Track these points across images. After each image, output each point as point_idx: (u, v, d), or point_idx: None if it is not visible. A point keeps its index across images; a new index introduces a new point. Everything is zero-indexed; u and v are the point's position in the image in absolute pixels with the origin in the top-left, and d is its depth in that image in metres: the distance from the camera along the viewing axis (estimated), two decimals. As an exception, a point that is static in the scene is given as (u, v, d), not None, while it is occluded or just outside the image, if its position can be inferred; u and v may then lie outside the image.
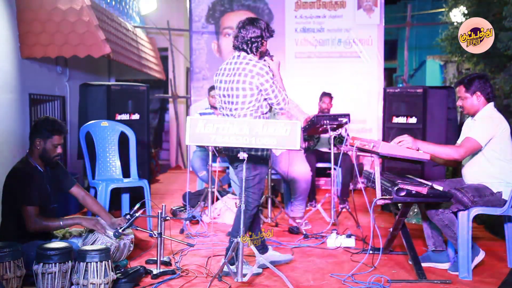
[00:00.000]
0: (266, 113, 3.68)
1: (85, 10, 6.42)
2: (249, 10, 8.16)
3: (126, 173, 4.96)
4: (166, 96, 10.30)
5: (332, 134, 4.88)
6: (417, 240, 4.17)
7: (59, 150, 3.56)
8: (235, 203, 5.15)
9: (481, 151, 3.59)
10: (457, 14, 8.29)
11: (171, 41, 9.60)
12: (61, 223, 3.45)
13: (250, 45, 3.60)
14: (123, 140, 4.97)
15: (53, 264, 3.00)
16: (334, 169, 4.96)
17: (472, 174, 3.64)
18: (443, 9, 9.42)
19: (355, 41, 7.93)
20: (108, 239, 3.48)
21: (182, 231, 4.79)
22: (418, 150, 3.52)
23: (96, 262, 2.99)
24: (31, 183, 3.39)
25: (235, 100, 3.60)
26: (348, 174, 5.70)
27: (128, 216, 3.61)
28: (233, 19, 8.12)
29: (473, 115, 3.71)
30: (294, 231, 4.81)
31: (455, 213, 3.55)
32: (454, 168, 6.58)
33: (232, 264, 3.40)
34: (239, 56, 3.64)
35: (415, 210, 5.16)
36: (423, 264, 3.62)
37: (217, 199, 5.27)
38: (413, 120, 5.30)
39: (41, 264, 3.00)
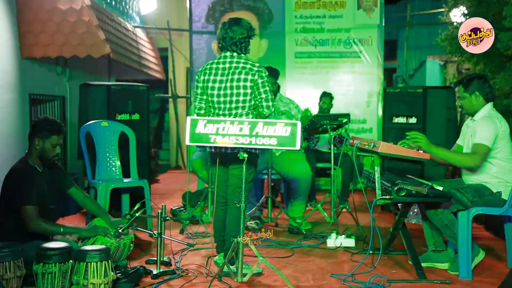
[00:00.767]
0: (267, 116, 3.71)
1: (85, 10, 6.42)
2: (249, 10, 8.16)
3: (126, 173, 4.96)
4: (166, 96, 10.31)
5: (332, 134, 4.88)
6: (417, 240, 4.17)
7: (57, 150, 3.55)
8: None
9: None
10: (457, 14, 8.29)
11: (171, 41, 9.60)
12: (61, 229, 3.45)
13: (239, 46, 3.66)
14: (123, 140, 4.97)
15: (53, 264, 3.00)
16: (334, 169, 4.96)
17: (471, 174, 3.64)
18: (443, 9, 9.42)
19: (355, 41, 7.93)
20: (108, 239, 3.48)
21: (182, 231, 4.79)
22: (418, 150, 3.53)
23: (96, 262, 2.99)
24: (30, 183, 3.39)
25: (235, 99, 3.62)
26: (348, 174, 5.70)
27: (128, 216, 3.61)
28: (233, 19, 8.11)
29: (472, 115, 3.72)
30: (294, 231, 4.81)
31: (455, 213, 3.55)
32: (454, 168, 6.58)
33: (232, 264, 3.41)
34: (232, 56, 3.67)
35: (415, 210, 5.16)
36: (423, 264, 3.62)
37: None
38: (413, 120, 5.30)
39: (41, 264, 3.00)
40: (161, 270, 3.55)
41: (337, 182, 5.52)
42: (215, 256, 3.81)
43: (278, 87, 5.43)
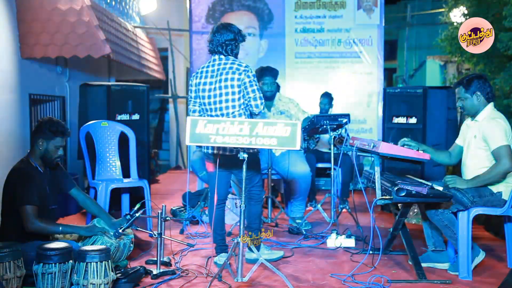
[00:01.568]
0: (257, 114, 3.82)
1: (85, 10, 6.42)
2: (249, 10, 8.17)
3: (126, 173, 4.96)
4: (166, 96, 10.30)
5: (332, 134, 4.88)
6: (417, 240, 4.17)
7: (60, 151, 3.56)
8: (235, 203, 5.15)
9: (481, 151, 3.59)
10: (457, 14, 8.30)
11: (171, 41, 9.60)
12: (60, 228, 3.45)
13: (225, 47, 3.80)
14: (123, 140, 4.97)
15: (53, 264, 3.00)
16: (334, 169, 4.96)
17: (472, 174, 3.64)
18: (443, 9, 9.43)
19: (355, 41, 7.93)
20: (108, 239, 3.48)
21: (182, 231, 4.79)
22: (418, 150, 3.52)
23: (96, 262, 2.99)
24: (31, 183, 3.39)
25: (225, 99, 3.75)
26: (348, 174, 5.70)
27: (128, 216, 3.61)
28: (233, 19, 8.11)
29: (473, 116, 3.71)
30: (294, 231, 4.81)
31: (455, 213, 3.55)
32: (454, 168, 6.58)
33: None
34: (220, 58, 3.82)
35: (415, 210, 5.15)
36: (423, 264, 3.62)
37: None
38: (413, 120, 5.30)
39: (41, 264, 3.00)
40: (161, 270, 3.55)
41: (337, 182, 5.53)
42: (215, 256, 3.81)
43: (278, 87, 5.44)
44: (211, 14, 8.25)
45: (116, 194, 4.87)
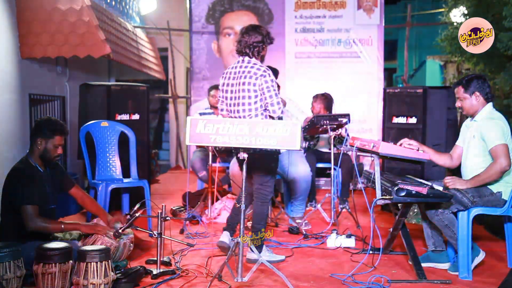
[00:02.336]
0: (275, 118, 3.85)
1: (85, 10, 6.42)
2: (249, 10, 8.16)
3: (126, 173, 4.97)
4: (166, 96, 10.30)
5: (332, 134, 4.87)
6: (417, 240, 4.17)
7: (59, 150, 3.56)
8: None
9: (480, 151, 3.59)
10: (457, 14, 8.30)
11: (171, 41, 9.60)
12: (62, 226, 3.46)
13: (252, 49, 3.86)
14: (123, 140, 4.97)
15: (53, 264, 3.00)
16: (334, 169, 4.96)
17: (471, 174, 3.64)
18: (443, 9, 9.43)
19: (355, 41, 7.92)
20: (108, 239, 3.48)
21: (182, 231, 4.79)
22: (418, 150, 3.52)
23: (96, 262, 2.99)
24: (30, 182, 3.39)
25: (242, 102, 3.81)
26: (348, 174, 5.70)
27: (128, 216, 3.61)
28: (233, 19, 8.12)
29: (472, 116, 3.71)
30: (294, 231, 4.81)
31: (455, 213, 3.55)
32: (454, 168, 6.57)
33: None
34: (243, 60, 3.89)
35: (415, 210, 5.15)
36: (423, 264, 3.62)
37: (217, 199, 5.27)
38: (413, 120, 5.30)
39: (41, 264, 3.00)
40: (161, 270, 3.55)
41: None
42: (215, 256, 3.82)
43: (278, 87, 5.43)
44: (211, 14, 8.25)
45: (116, 194, 4.87)
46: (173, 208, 5.61)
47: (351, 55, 7.97)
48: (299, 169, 5.10)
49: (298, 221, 4.99)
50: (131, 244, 3.68)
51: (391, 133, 5.42)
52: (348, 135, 4.90)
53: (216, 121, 3.17)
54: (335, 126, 4.88)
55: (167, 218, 3.69)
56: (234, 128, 3.14)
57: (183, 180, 7.14)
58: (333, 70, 7.99)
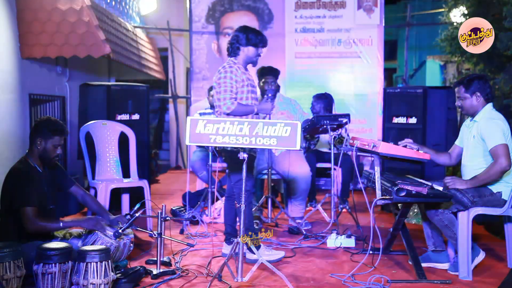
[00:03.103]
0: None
1: (85, 10, 6.42)
2: (249, 10, 8.16)
3: (126, 173, 4.96)
4: (166, 96, 10.30)
5: (332, 134, 4.87)
6: (417, 240, 4.17)
7: (59, 150, 3.56)
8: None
9: (480, 151, 3.59)
10: (457, 14, 8.30)
11: (171, 41, 9.60)
12: (61, 224, 3.45)
13: (229, 49, 4.05)
14: (123, 140, 4.97)
15: (53, 264, 3.00)
16: (334, 169, 4.95)
17: (471, 174, 3.63)
18: (443, 9, 9.43)
19: (355, 41, 7.92)
20: (108, 239, 3.48)
21: (182, 231, 4.79)
22: (418, 150, 3.52)
23: (96, 262, 2.99)
24: (30, 183, 3.39)
25: (215, 98, 4.01)
26: (348, 174, 5.70)
27: (128, 216, 3.61)
28: (233, 19, 8.12)
29: (472, 116, 3.71)
30: (294, 231, 4.81)
31: (455, 214, 3.55)
32: (454, 168, 6.58)
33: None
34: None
35: (415, 210, 5.16)
36: (423, 264, 3.62)
37: (217, 199, 5.27)
38: (413, 120, 5.30)
39: (41, 264, 3.00)
40: (161, 270, 3.55)
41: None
42: (215, 256, 3.82)
43: (278, 87, 5.44)
44: (211, 14, 8.25)
45: (116, 194, 4.87)
46: (173, 208, 5.61)
47: (351, 55, 7.96)
48: (299, 169, 5.10)
49: (298, 221, 4.99)
50: (131, 244, 3.68)
51: (391, 133, 5.41)
52: (348, 135, 4.90)
53: (216, 121, 3.17)
54: (335, 126, 4.88)
55: (167, 218, 3.69)
56: (234, 128, 3.14)
57: (183, 180, 7.13)
58: (333, 70, 7.99)
